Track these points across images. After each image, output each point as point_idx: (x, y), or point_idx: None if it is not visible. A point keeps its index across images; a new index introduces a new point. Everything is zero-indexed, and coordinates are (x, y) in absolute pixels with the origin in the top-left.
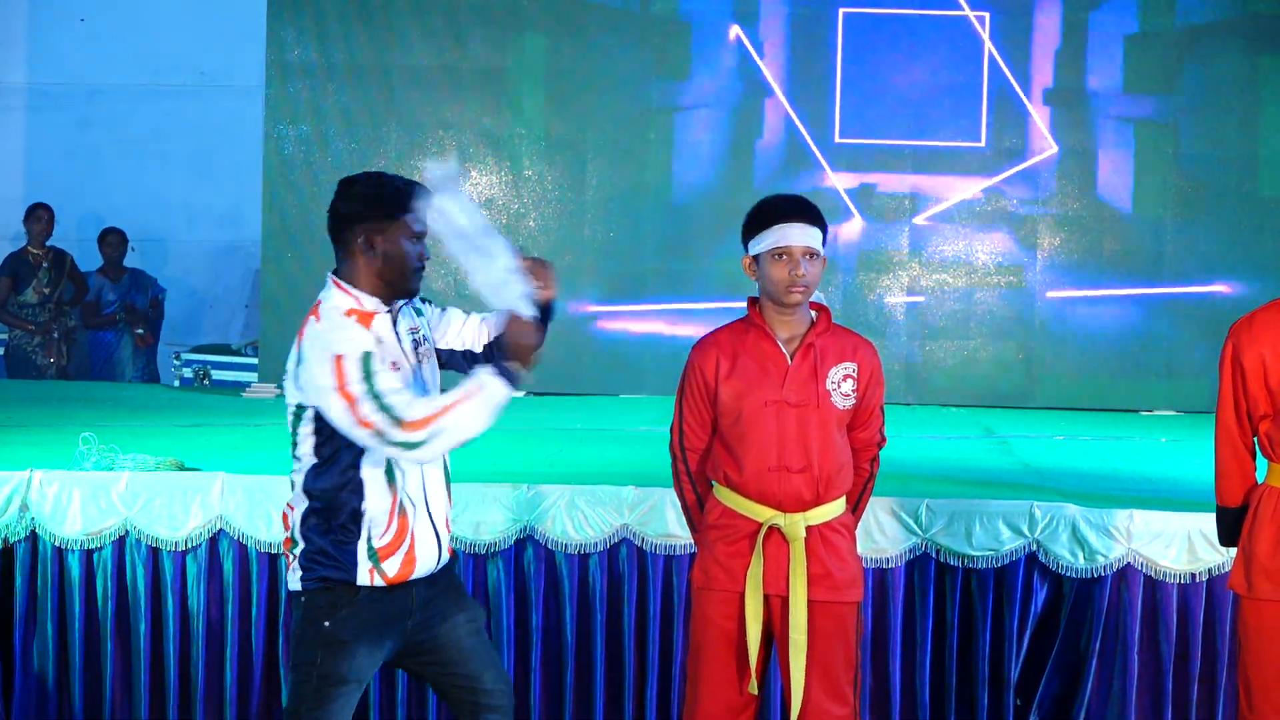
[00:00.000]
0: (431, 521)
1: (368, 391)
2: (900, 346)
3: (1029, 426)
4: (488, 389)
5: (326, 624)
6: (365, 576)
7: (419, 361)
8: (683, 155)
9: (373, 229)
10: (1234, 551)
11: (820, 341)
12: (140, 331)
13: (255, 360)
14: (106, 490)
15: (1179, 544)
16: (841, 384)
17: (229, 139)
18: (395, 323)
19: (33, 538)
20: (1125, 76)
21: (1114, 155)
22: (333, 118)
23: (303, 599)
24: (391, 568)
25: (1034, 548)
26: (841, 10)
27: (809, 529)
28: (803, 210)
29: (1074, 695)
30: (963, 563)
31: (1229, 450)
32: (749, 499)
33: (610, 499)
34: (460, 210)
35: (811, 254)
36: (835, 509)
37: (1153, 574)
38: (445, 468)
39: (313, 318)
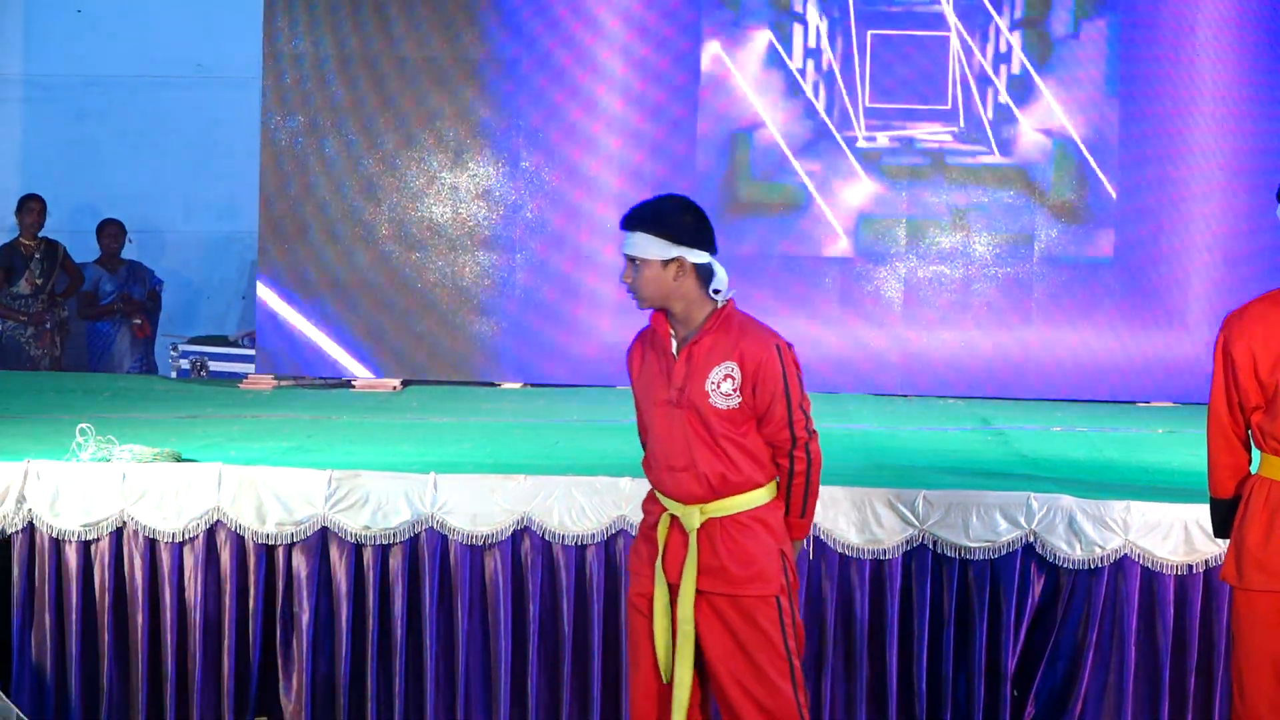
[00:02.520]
0: None
1: None
2: (897, 338)
3: (1026, 417)
4: None
5: None
6: None
7: None
8: (680, 144)
9: None
10: (1228, 543)
11: (705, 340)
12: (138, 322)
13: (252, 352)
14: (104, 482)
15: (1176, 535)
16: (721, 384)
17: (226, 130)
18: None
19: (29, 529)
20: (1118, 68)
21: (1109, 147)
22: (329, 109)
23: None
24: None
25: (1031, 539)
26: (870, 32)
27: (711, 520)
28: (627, 218)
29: (1071, 687)
30: (960, 554)
31: (1221, 441)
32: (657, 491)
33: (608, 490)
34: None
35: (632, 260)
36: (744, 502)
37: (1150, 565)
38: None
39: None
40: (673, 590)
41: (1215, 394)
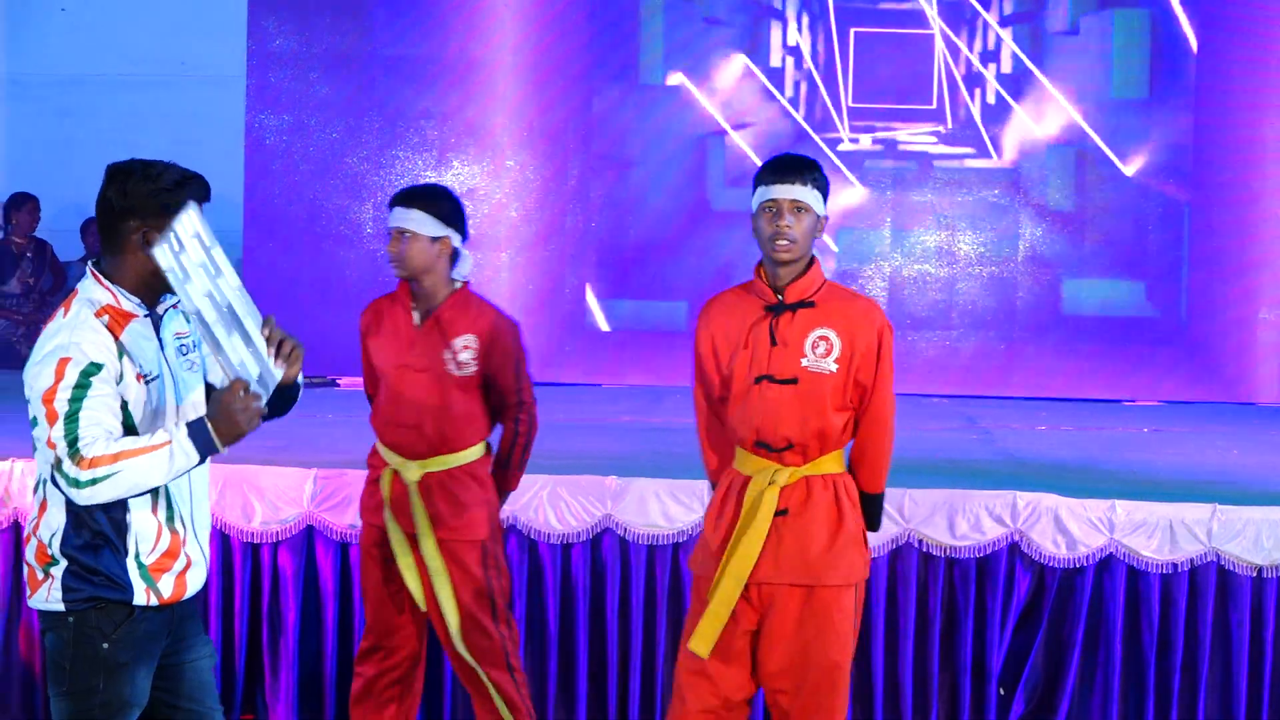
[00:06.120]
0: (199, 542)
1: (69, 412)
2: None
3: (1011, 417)
4: (176, 452)
5: (105, 646)
6: (141, 596)
7: (182, 370)
8: (657, 147)
9: (151, 225)
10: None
11: (448, 314)
12: None
13: None
14: None
15: (1161, 534)
16: (460, 353)
17: (209, 129)
18: (160, 327)
19: (14, 528)
20: (1114, 70)
21: (1091, 147)
22: (314, 108)
23: (70, 619)
24: (166, 587)
25: (1016, 538)
26: (853, 30)
27: (428, 474)
28: (405, 196)
29: (1057, 685)
30: (945, 553)
31: (701, 428)
32: (383, 445)
33: (593, 489)
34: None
35: (402, 232)
36: (458, 459)
37: (1135, 564)
38: (206, 487)
39: (61, 310)
40: (409, 539)
41: (695, 382)
